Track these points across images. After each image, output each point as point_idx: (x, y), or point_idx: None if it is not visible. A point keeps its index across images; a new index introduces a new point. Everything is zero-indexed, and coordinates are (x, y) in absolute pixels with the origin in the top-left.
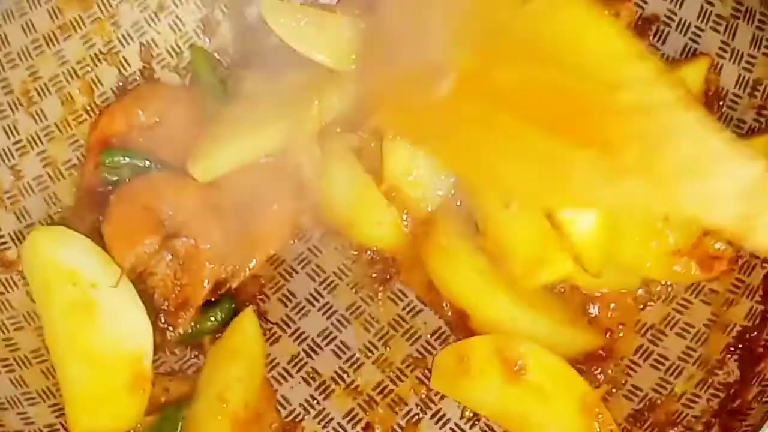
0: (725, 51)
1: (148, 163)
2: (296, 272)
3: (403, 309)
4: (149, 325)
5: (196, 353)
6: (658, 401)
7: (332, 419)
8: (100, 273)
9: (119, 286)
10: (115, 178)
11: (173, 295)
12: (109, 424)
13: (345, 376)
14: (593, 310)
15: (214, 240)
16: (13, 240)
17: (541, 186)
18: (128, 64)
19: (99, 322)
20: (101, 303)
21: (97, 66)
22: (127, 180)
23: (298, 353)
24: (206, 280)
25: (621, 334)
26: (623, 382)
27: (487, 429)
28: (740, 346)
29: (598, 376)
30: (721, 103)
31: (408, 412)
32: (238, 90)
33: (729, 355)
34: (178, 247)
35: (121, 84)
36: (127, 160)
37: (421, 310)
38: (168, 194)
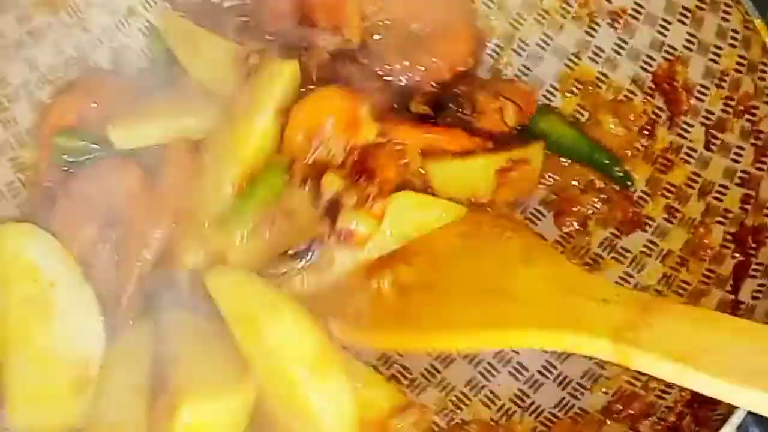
0: (692, 43)
1: (98, 147)
2: None
3: None
4: (102, 333)
5: None
6: (632, 393)
7: None
8: (61, 273)
9: (79, 289)
10: (70, 162)
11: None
12: (47, 422)
13: None
14: None
15: (150, 227)
16: None
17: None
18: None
19: (52, 321)
20: (58, 303)
21: (67, 71)
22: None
23: None
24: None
25: None
26: (597, 375)
27: None
28: None
29: None
30: (689, 94)
31: None
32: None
33: None
34: (111, 235)
35: None
36: (81, 142)
37: None
38: (108, 182)
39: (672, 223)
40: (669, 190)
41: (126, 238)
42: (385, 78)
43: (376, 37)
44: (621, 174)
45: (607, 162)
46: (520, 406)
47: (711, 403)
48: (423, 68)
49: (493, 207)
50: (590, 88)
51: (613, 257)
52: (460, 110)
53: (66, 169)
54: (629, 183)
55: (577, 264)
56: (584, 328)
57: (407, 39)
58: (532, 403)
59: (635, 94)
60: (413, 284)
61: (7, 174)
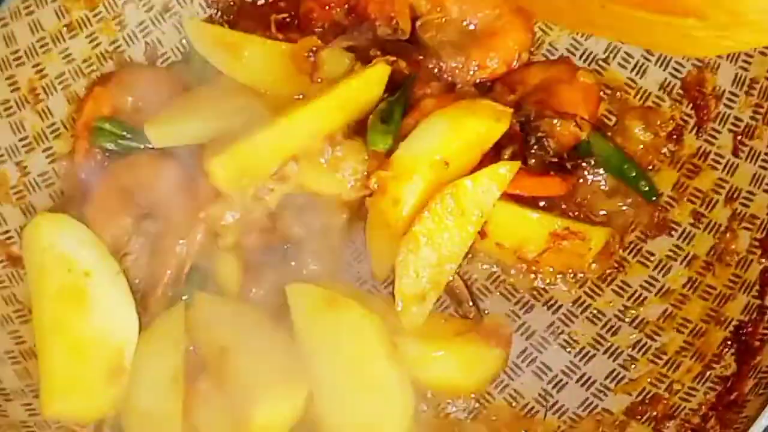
0: None
1: (133, 141)
2: None
3: None
4: (136, 322)
5: None
6: (656, 395)
7: None
8: (95, 263)
9: (113, 279)
10: (107, 151)
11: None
12: (80, 411)
13: None
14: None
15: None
16: (19, 235)
17: None
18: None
19: (87, 311)
20: (92, 293)
21: (102, 64)
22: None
23: None
24: (171, 267)
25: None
26: (621, 376)
27: None
28: (737, 340)
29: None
30: (717, 101)
31: None
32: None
33: (726, 349)
34: (149, 228)
35: None
36: (119, 132)
37: None
38: (145, 175)
39: (698, 228)
40: (695, 196)
41: (162, 232)
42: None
43: (429, 34)
44: (647, 188)
45: (634, 175)
46: (543, 406)
47: (737, 405)
48: (477, 64)
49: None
50: (618, 93)
51: (638, 261)
52: (545, 151)
53: (102, 158)
54: (654, 198)
55: (602, 266)
56: None
57: (461, 35)
58: (556, 403)
59: (663, 100)
60: None
61: (42, 164)
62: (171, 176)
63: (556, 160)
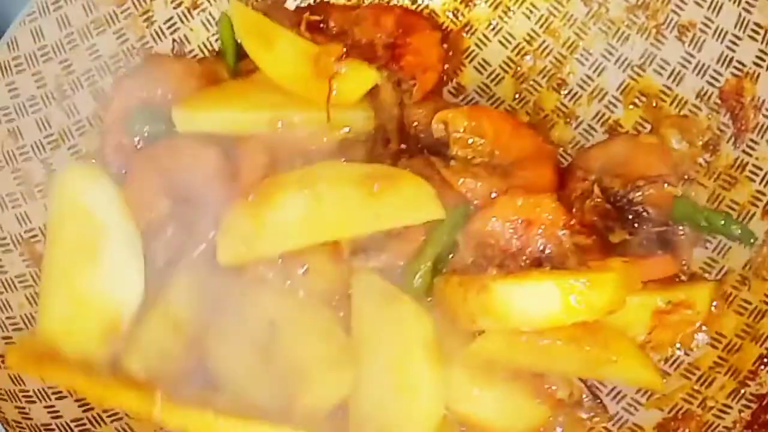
0: (762, 60)
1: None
2: None
3: None
4: (141, 287)
5: None
6: (689, 411)
7: None
8: (114, 220)
9: (128, 239)
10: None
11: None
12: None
13: None
14: None
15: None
16: (43, 233)
17: None
18: None
19: (95, 267)
20: (104, 250)
21: (129, 61)
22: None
23: None
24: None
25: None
26: (652, 391)
27: None
28: None
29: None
30: (756, 111)
31: None
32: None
33: (762, 366)
34: (186, 212)
35: None
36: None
37: None
38: (185, 159)
39: (732, 239)
40: (731, 208)
41: (196, 217)
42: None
43: (459, 149)
44: (739, 231)
45: (723, 223)
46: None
47: None
48: (496, 190)
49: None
50: (654, 101)
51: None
52: (648, 222)
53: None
54: (752, 240)
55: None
56: None
57: (489, 159)
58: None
59: (700, 109)
60: None
61: (68, 161)
62: (211, 164)
63: (663, 228)
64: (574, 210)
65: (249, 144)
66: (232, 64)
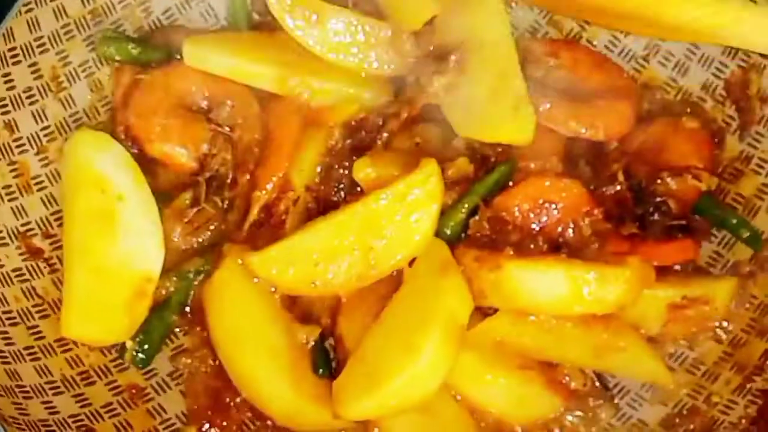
0: None
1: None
2: None
3: None
4: (162, 251)
5: None
6: (694, 407)
7: None
8: (130, 188)
9: (146, 206)
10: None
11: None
12: (99, 334)
13: None
14: None
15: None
16: (39, 227)
17: None
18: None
19: (116, 235)
20: (123, 217)
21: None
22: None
23: None
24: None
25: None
26: (656, 387)
27: None
28: None
29: None
30: (762, 103)
31: None
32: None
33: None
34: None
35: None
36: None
37: None
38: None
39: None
40: (737, 201)
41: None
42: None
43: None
44: (749, 234)
45: (735, 223)
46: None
47: None
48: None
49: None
50: (658, 93)
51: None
52: (667, 216)
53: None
54: (757, 247)
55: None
56: None
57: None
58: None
59: (705, 101)
60: None
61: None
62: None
63: (683, 222)
64: (598, 190)
65: (284, 103)
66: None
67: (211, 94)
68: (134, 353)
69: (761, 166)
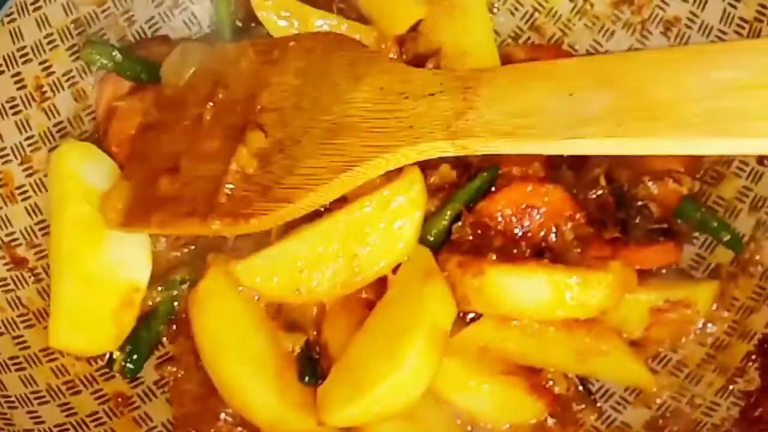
0: None
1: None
2: None
3: None
4: (150, 260)
5: None
6: (677, 409)
7: None
8: None
9: None
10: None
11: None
12: (86, 344)
13: None
14: None
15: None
16: (24, 236)
17: None
18: None
19: (103, 245)
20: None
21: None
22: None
23: None
24: None
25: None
26: (640, 389)
27: None
28: (761, 353)
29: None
30: None
31: None
32: None
33: (750, 363)
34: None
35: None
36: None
37: None
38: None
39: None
40: (718, 204)
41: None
42: None
43: None
44: (729, 237)
45: (716, 226)
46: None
47: (761, 421)
48: None
49: (645, 344)
50: None
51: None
52: (649, 220)
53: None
54: (738, 250)
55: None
56: (420, 135)
57: None
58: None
59: None
60: (269, 149)
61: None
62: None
63: (665, 226)
64: (580, 195)
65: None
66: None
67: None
68: (123, 363)
69: (742, 169)
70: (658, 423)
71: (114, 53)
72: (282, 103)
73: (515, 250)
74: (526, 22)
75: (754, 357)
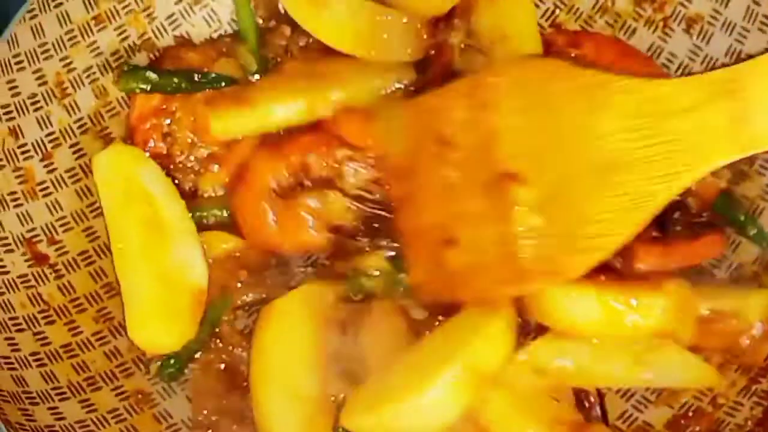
0: None
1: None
2: None
3: None
4: (206, 266)
5: None
6: (699, 408)
7: None
8: (168, 203)
9: (183, 221)
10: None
11: None
12: (165, 338)
13: None
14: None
15: None
16: (45, 233)
17: None
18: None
19: (170, 247)
20: (170, 230)
21: (131, 57)
22: None
23: None
24: None
25: None
26: (661, 388)
27: None
28: None
29: None
30: None
31: None
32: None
33: None
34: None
35: None
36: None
37: None
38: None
39: (744, 236)
40: (741, 203)
41: None
42: None
43: None
44: (755, 231)
45: (743, 219)
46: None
47: None
48: None
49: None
50: None
51: None
52: (688, 214)
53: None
54: (764, 244)
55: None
56: (706, 155)
57: None
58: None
59: None
60: (540, 200)
61: (69, 161)
62: None
63: (704, 219)
64: None
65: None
66: (254, 47)
67: None
68: (163, 367)
69: (765, 167)
70: (680, 422)
71: (148, 75)
72: (523, 147)
73: None
74: (548, 18)
75: None
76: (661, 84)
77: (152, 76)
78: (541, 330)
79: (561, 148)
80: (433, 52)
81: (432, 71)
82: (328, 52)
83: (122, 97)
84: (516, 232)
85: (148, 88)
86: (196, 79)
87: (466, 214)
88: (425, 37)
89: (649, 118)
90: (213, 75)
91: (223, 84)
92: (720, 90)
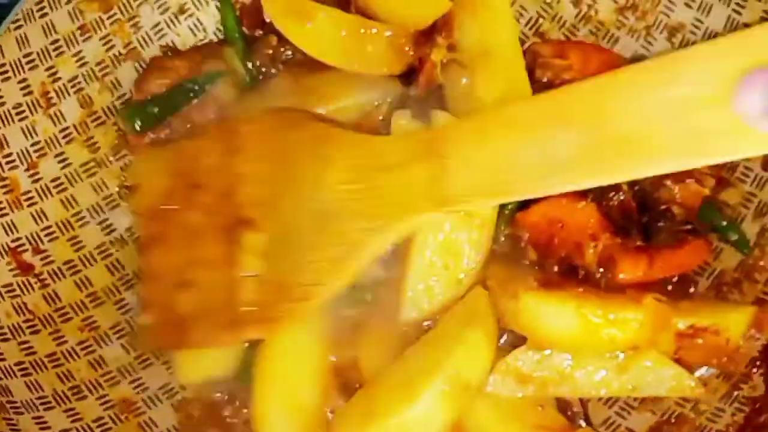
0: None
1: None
2: None
3: None
4: None
5: None
6: (682, 414)
7: None
8: None
9: None
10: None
11: None
12: (210, 371)
13: None
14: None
15: None
16: (30, 242)
17: None
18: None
19: None
20: None
21: (116, 67)
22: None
23: None
24: None
25: None
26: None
27: None
28: (766, 360)
29: None
30: None
31: None
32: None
33: (754, 369)
34: None
35: None
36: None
37: None
38: None
39: (725, 242)
40: (723, 210)
41: None
42: None
43: None
44: (737, 237)
45: (725, 226)
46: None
47: (766, 428)
48: None
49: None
50: None
51: None
52: (672, 222)
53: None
54: (745, 250)
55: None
56: (406, 210)
57: None
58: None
59: None
60: (268, 245)
61: (54, 170)
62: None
63: (690, 227)
64: (603, 200)
65: None
66: (241, 55)
67: None
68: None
69: (746, 175)
70: (663, 428)
71: (149, 108)
72: (260, 193)
73: (555, 267)
74: (531, 27)
75: (758, 363)
76: (378, 140)
77: (152, 108)
78: (522, 340)
79: (291, 195)
80: (417, 66)
81: (416, 86)
82: (314, 63)
83: (108, 106)
84: (240, 277)
85: (153, 122)
86: (190, 88)
87: (203, 258)
88: (409, 51)
89: (364, 171)
90: (204, 76)
91: (215, 80)
92: (424, 150)
